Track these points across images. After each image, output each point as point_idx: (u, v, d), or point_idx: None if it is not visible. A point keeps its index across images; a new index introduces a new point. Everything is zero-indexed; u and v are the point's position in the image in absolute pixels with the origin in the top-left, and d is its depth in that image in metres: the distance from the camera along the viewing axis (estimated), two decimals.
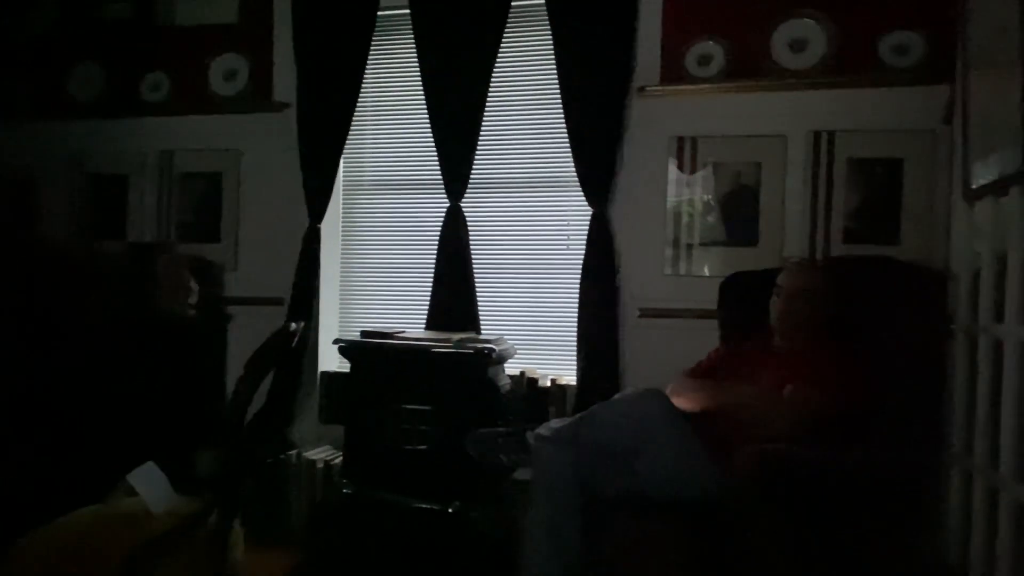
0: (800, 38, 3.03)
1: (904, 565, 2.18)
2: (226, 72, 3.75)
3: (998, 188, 2.18)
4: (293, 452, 3.42)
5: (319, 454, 3.41)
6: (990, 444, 2.18)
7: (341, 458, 3.24)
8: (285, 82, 3.65)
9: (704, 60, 3.15)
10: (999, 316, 2.16)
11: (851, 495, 2.08)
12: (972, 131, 2.41)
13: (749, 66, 3.10)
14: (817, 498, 2.02)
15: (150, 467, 2.01)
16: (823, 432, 2.20)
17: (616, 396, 2.43)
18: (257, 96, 3.71)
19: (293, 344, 2.00)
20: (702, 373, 2.63)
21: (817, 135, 3.04)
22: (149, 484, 1.97)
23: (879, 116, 2.96)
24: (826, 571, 2.02)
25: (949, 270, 2.65)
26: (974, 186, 2.36)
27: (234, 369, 2.55)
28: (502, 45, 3.35)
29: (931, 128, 2.87)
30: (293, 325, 2.00)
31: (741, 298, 2.82)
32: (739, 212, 3.13)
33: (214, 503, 1.91)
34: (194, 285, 3.00)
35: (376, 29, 3.52)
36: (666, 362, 2.81)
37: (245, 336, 2.93)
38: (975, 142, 2.38)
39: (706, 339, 2.85)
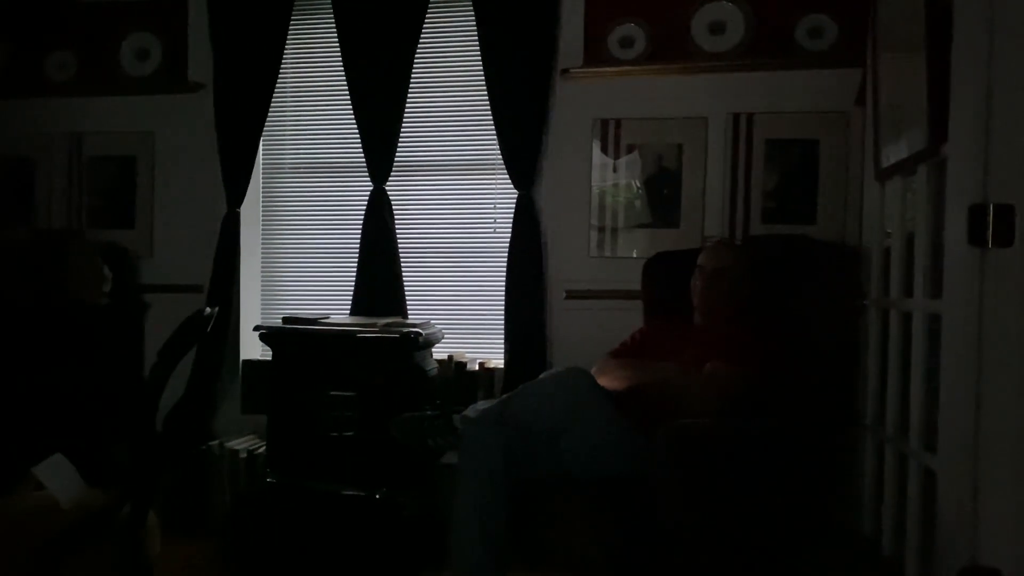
0: (719, 21, 3.08)
1: (820, 532, 2.25)
2: (138, 51, 3.61)
3: (906, 167, 2.25)
4: (215, 442, 3.33)
5: (242, 444, 3.33)
6: (900, 414, 2.26)
7: (265, 447, 3.17)
8: (200, 62, 3.53)
9: (626, 42, 3.17)
10: (908, 291, 2.24)
11: (769, 467, 2.13)
12: (882, 113, 2.49)
13: (670, 49, 3.14)
14: (736, 470, 2.06)
15: (58, 459, 1.93)
16: (742, 406, 2.25)
17: (540, 376, 2.44)
18: (171, 76, 3.59)
19: (208, 329, 1.94)
20: (626, 352, 2.66)
21: (736, 117, 3.10)
22: (57, 477, 1.89)
23: (795, 98, 3.03)
24: (746, 541, 2.07)
25: (862, 247, 2.73)
26: (884, 166, 2.43)
27: (152, 358, 2.48)
28: (426, 25, 3.31)
29: (845, 110, 2.95)
30: (207, 310, 1.93)
31: (663, 278, 2.87)
32: (662, 194, 3.18)
33: (126, 495, 1.85)
34: (107, 273, 2.89)
35: (295, 6, 3.43)
36: (593, 343, 2.83)
37: (163, 324, 2.84)
38: (885, 123, 2.46)
39: (631, 319, 2.89)
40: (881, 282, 2.50)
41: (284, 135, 3.64)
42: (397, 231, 3.38)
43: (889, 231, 2.43)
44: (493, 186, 3.43)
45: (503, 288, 3.26)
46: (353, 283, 3.39)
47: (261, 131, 3.47)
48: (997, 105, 1.71)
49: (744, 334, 2.44)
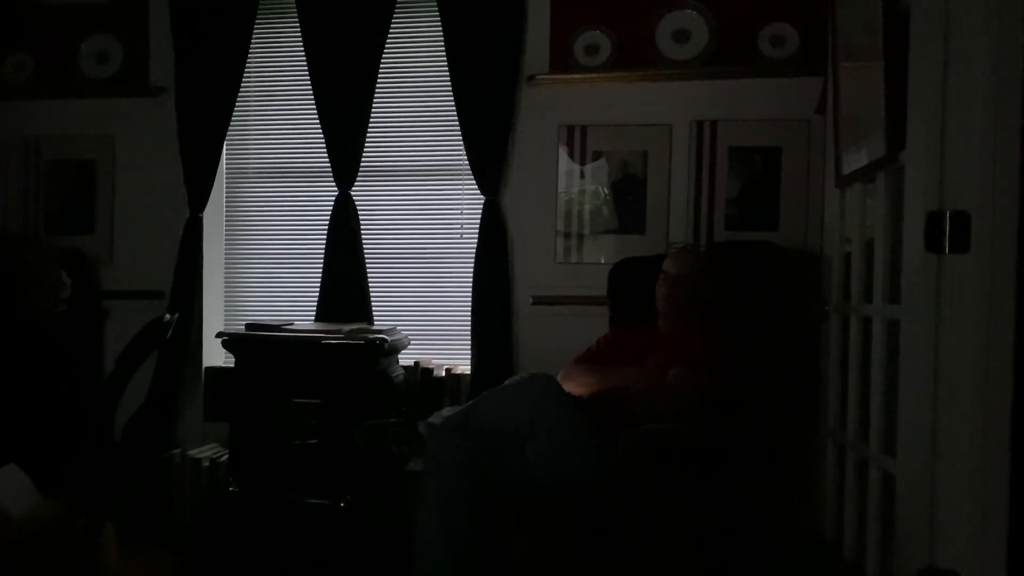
0: (683, 29, 3.10)
1: (783, 536, 2.26)
2: (98, 54, 3.55)
3: (866, 175, 2.28)
4: (177, 451, 3.28)
5: (204, 452, 3.28)
6: (861, 418, 2.29)
7: (228, 456, 3.13)
8: (162, 65, 3.49)
9: (592, 49, 3.18)
10: (868, 296, 2.27)
11: (732, 471, 2.14)
12: (842, 120, 2.52)
13: (635, 56, 3.15)
14: (699, 475, 2.07)
15: (10, 469, 1.89)
16: (705, 411, 2.26)
17: (506, 382, 2.43)
18: (132, 80, 3.53)
19: (167, 336, 1.91)
20: (591, 358, 2.67)
21: (700, 124, 3.12)
22: (8, 487, 1.85)
23: (758, 106, 3.06)
24: (708, 546, 2.08)
25: (823, 253, 2.76)
26: (845, 173, 2.47)
27: (112, 366, 2.43)
28: (392, 29, 3.30)
29: (806, 118, 2.99)
30: (167, 317, 1.90)
31: (629, 284, 2.88)
32: (628, 200, 3.19)
33: (82, 506, 1.81)
34: (66, 279, 2.84)
35: (259, 9, 3.40)
36: (559, 349, 2.84)
37: (124, 331, 2.80)
38: (845, 131, 2.49)
39: (598, 325, 2.91)
40: (842, 288, 2.53)
41: (248, 139, 3.60)
42: (363, 236, 3.36)
43: (849, 237, 2.46)
44: (459, 192, 3.42)
45: (470, 294, 3.25)
46: (318, 289, 3.36)
47: (225, 135, 3.43)
48: (952, 114, 1.74)
49: (707, 340, 2.46)
